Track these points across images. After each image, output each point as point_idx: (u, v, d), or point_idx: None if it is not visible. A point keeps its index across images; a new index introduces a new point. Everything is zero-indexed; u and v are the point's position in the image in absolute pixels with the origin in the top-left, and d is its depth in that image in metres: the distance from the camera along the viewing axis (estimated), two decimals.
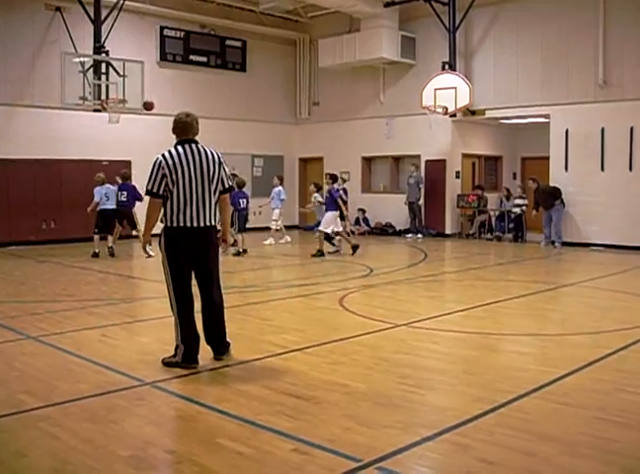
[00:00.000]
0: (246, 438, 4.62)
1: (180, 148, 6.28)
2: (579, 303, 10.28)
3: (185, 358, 6.27)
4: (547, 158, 18.47)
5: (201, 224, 6.23)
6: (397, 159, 22.20)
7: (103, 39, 17.43)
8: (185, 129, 6.41)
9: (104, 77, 17.05)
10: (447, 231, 20.61)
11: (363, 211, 21.67)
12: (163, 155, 6.24)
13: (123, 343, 7.62)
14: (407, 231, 20.68)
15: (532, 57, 18.48)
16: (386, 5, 20.23)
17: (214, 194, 6.34)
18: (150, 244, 6.79)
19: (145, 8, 19.73)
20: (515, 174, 22.73)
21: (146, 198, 6.48)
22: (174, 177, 6.14)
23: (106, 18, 17.69)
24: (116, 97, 16.85)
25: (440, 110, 19.00)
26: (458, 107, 18.99)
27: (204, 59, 21.42)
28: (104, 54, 17.23)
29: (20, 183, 17.43)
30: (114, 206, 15.52)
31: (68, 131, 18.42)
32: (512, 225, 19.48)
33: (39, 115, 18.03)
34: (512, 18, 18.92)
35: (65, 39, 18.06)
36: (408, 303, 10.11)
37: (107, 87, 17.03)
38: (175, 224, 6.20)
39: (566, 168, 17.95)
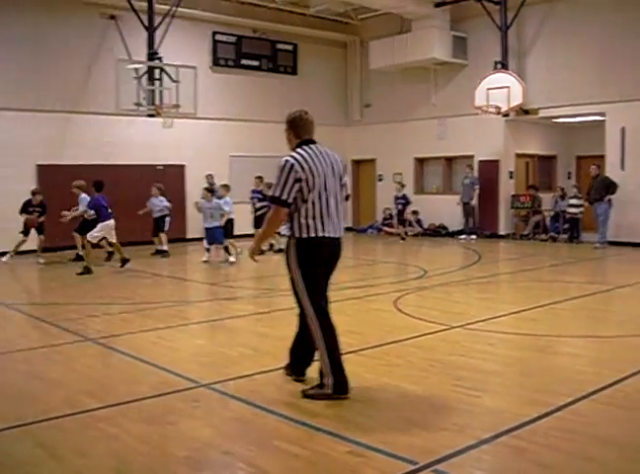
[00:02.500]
0: (302, 441, 4.64)
1: (308, 149, 5.57)
2: (637, 305, 10.07)
3: (337, 389, 5.48)
4: (603, 157, 18.15)
5: (337, 234, 5.62)
6: (450, 160, 22.05)
7: (156, 46, 17.68)
8: (308, 128, 5.73)
9: (158, 83, 17.29)
10: (501, 232, 20.40)
11: (416, 213, 21.57)
12: (294, 157, 5.47)
13: (179, 345, 7.72)
14: (460, 232, 20.52)
15: (587, 54, 18.17)
16: (437, 5, 20.12)
17: (344, 200, 5.79)
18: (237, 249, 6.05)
19: (198, 14, 19.94)
20: (569, 173, 22.39)
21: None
22: (311, 181, 5.43)
23: (159, 25, 17.94)
24: (169, 102, 17.08)
25: (492, 109, 18.82)
26: (511, 106, 18.77)
27: (256, 63, 21.59)
28: (157, 61, 17.47)
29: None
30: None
31: (123, 137, 18.74)
32: (567, 225, 19.19)
33: (95, 121, 18.37)
34: (565, 15, 18.63)
35: (120, 47, 18.38)
36: (462, 305, 10.04)
37: (160, 93, 17.27)
38: (313, 235, 5.47)
39: (622, 166, 17.61)
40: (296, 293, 5.64)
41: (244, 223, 17.71)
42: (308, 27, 22.40)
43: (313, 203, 5.46)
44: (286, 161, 5.43)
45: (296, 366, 5.99)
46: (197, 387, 5.91)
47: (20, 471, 4.28)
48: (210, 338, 8.15)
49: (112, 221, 13.99)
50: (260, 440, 4.69)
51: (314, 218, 5.47)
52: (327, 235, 5.52)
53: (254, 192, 17.54)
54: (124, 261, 13.97)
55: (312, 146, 5.61)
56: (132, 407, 5.42)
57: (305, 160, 5.45)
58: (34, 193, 15.42)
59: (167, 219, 16.80)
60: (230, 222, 15.48)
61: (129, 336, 8.03)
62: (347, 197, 5.82)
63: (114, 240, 14.27)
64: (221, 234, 14.87)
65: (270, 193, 5.48)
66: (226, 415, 5.23)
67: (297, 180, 5.38)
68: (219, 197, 15.50)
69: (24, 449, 4.61)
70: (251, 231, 17.91)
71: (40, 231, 15.45)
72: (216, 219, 14.76)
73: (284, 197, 5.40)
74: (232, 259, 14.72)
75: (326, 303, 5.70)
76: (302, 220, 5.48)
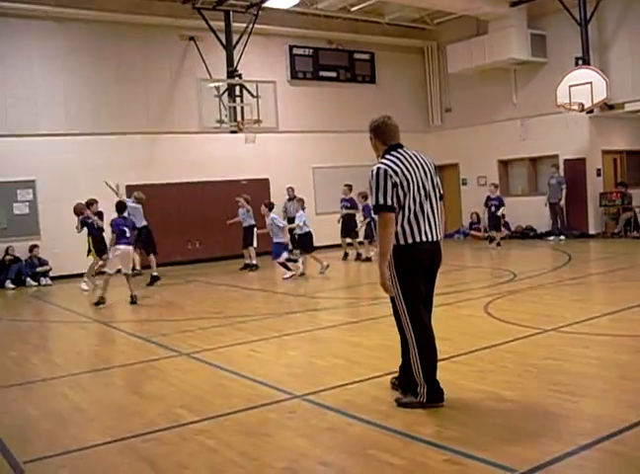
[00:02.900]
0: (397, 449, 4.63)
1: (397, 154, 5.50)
2: None
3: (431, 398, 5.42)
4: None
5: (435, 238, 5.53)
6: (534, 160, 21.67)
7: (235, 63, 18.03)
8: (394, 133, 5.64)
9: (238, 99, 17.64)
10: (591, 231, 19.92)
11: (503, 215, 21.23)
12: (385, 164, 5.39)
13: (272, 357, 7.81)
14: (549, 233, 20.12)
15: None
16: (513, 5, 19.87)
17: (439, 201, 5.66)
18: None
19: (273, 29, 20.21)
20: None
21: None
22: (405, 186, 5.33)
23: (237, 42, 18.30)
24: (251, 117, 17.35)
25: (575, 107, 18.42)
26: (595, 102, 18.33)
27: (334, 74, 21.74)
28: (237, 78, 17.81)
29: (165, 206, 18.19)
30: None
31: (207, 154, 19.11)
32: None
33: (179, 140, 18.83)
34: None
35: (200, 66, 18.77)
36: (555, 307, 9.82)
37: (242, 109, 17.59)
38: (410, 240, 5.38)
39: None
40: (394, 301, 5.55)
41: (331, 233, 17.85)
42: (384, 35, 22.41)
43: (409, 208, 5.36)
44: (379, 168, 5.35)
45: (406, 383, 5.71)
46: (291, 398, 5.96)
47: None
48: (302, 349, 8.21)
49: (125, 247, 12.49)
50: (355, 450, 4.69)
51: (410, 223, 5.38)
52: (425, 239, 5.42)
53: (343, 200, 17.67)
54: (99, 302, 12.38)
55: (400, 150, 5.52)
56: (229, 419, 5.51)
57: (397, 165, 5.36)
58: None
59: (255, 230, 16.68)
60: (307, 236, 15.12)
61: (223, 349, 8.17)
62: (441, 197, 5.67)
63: (128, 271, 12.66)
64: (278, 249, 14.61)
65: (372, 203, 5.39)
66: (321, 425, 5.26)
67: (394, 185, 5.29)
68: (286, 211, 15.50)
69: (127, 463, 4.74)
70: (338, 241, 18.06)
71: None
72: (276, 234, 14.53)
73: (389, 202, 5.28)
74: (288, 275, 14.57)
75: (429, 312, 5.61)
76: (399, 226, 5.36)
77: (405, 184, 5.32)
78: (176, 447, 4.97)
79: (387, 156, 5.48)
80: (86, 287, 14.68)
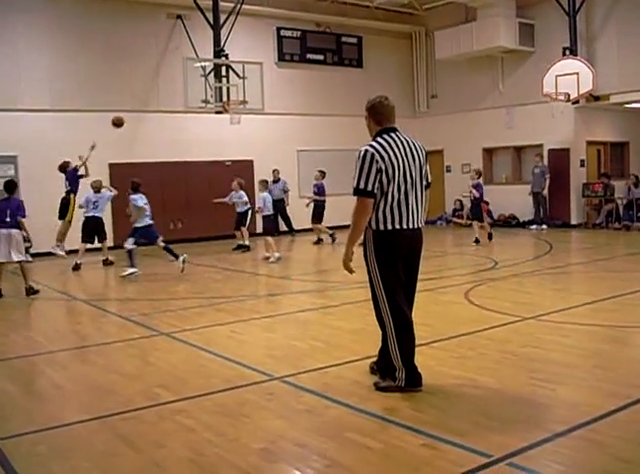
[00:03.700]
0: (375, 433, 4.66)
1: (388, 138, 5.40)
2: None
3: (409, 382, 5.45)
4: None
5: (417, 225, 5.48)
6: (519, 149, 21.73)
7: (222, 43, 17.88)
8: (389, 115, 5.56)
9: (224, 80, 17.50)
10: (573, 221, 20.02)
11: (487, 203, 21.28)
12: (373, 147, 5.30)
13: (252, 338, 7.81)
14: (531, 222, 20.21)
15: None
16: None
17: (425, 189, 5.59)
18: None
19: (262, 10, 20.09)
20: None
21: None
22: (390, 172, 5.26)
23: (224, 22, 18.14)
24: (236, 98, 17.26)
25: (561, 97, 18.47)
26: (581, 93, 18.39)
27: (321, 57, 21.65)
28: (224, 58, 17.67)
29: (148, 185, 17.96)
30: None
31: (192, 134, 19.02)
32: None
33: (164, 119, 18.70)
34: None
35: (186, 46, 18.64)
36: (535, 296, 9.89)
37: (227, 89, 17.47)
38: (390, 227, 5.34)
39: None
40: (373, 286, 5.53)
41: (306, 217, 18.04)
42: (373, 19, 22.32)
43: (392, 195, 5.31)
44: (366, 151, 5.28)
45: (385, 368, 5.71)
46: (270, 380, 5.97)
47: (101, 461, 4.40)
48: (282, 331, 8.22)
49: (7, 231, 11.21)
50: (332, 433, 4.71)
51: (392, 211, 5.33)
52: (405, 227, 5.38)
53: (314, 185, 17.75)
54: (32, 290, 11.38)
55: (392, 135, 5.44)
56: (207, 400, 5.51)
57: (385, 150, 5.29)
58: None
59: (249, 214, 16.82)
60: (268, 218, 15.21)
61: (203, 330, 8.17)
62: (427, 186, 5.61)
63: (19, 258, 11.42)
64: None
65: (353, 184, 5.31)
66: (299, 407, 5.27)
67: (379, 170, 5.23)
68: (271, 193, 15.76)
69: (103, 440, 4.74)
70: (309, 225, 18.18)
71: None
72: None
73: (369, 187, 5.24)
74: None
75: (411, 300, 5.61)
76: (380, 212, 5.33)
77: (390, 171, 5.26)
78: (153, 426, 4.98)
79: (378, 139, 5.40)
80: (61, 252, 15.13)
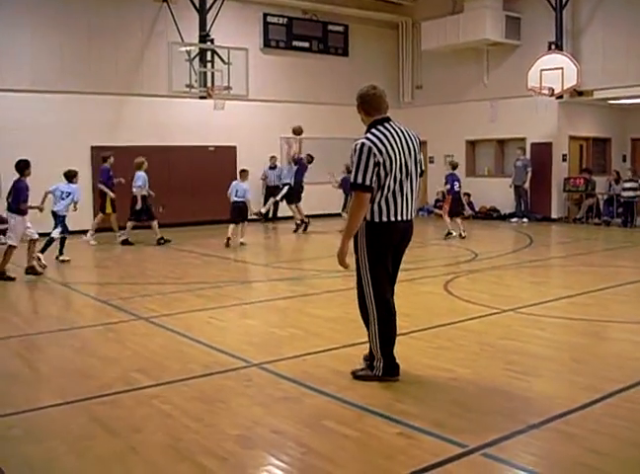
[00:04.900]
0: (351, 421, 4.68)
1: (383, 129, 5.34)
2: None
3: (387, 372, 5.47)
4: None
5: (409, 217, 5.46)
6: (502, 142, 21.78)
7: (208, 28, 17.78)
8: (380, 105, 5.47)
9: (209, 65, 17.41)
10: (554, 215, 20.12)
11: (468, 195, 21.36)
12: (370, 140, 5.24)
13: (231, 325, 7.82)
14: (512, 215, 20.29)
15: None
16: None
17: (419, 178, 5.56)
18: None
19: None
20: (624, 156, 21.86)
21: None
22: (388, 165, 5.20)
23: (210, 7, 18.03)
24: (221, 84, 17.19)
25: (546, 91, 18.53)
26: (565, 88, 18.46)
27: (307, 45, 21.55)
28: (209, 43, 17.58)
29: (130, 169, 17.97)
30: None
31: (175, 119, 18.89)
32: (621, 210, 18.85)
33: (147, 103, 18.56)
34: None
35: (172, 30, 18.48)
36: (513, 289, 9.96)
37: (212, 74, 17.38)
38: (385, 219, 5.30)
39: None
40: (360, 276, 5.50)
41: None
42: (359, 8, 22.22)
43: (389, 187, 5.27)
44: (363, 144, 5.21)
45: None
46: (248, 367, 5.98)
47: (77, 445, 4.39)
48: (261, 318, 8.23)
49: None
50: (309, 420, 4.73)
51: (387, 202, 5.30)
52: (400, 219, 5.37)
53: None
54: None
55: (387, 125, 5.38)
56: (185, 385, 5.52)
57: (382, 142, 5.22)
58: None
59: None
60: (234, 205, 15.11)
61: (182, 315, 8.15)
62: (421, 174, 5.56)
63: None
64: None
65: (351, 178, 5.24)
66: (277, 394, 5.29)
67: (376, 164, 5.17)
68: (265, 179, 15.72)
69: (80, 424, 4.74)
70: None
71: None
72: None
73: (367, 182, 5.18)
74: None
75: (393, 289, 5.61)
76: (376, 204, 5.29)
77: (388, 163, 5.21)
78: (130, 411, 4.97)
79: (373, 131, 5.34)
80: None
